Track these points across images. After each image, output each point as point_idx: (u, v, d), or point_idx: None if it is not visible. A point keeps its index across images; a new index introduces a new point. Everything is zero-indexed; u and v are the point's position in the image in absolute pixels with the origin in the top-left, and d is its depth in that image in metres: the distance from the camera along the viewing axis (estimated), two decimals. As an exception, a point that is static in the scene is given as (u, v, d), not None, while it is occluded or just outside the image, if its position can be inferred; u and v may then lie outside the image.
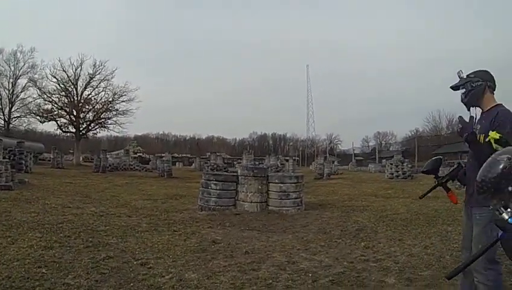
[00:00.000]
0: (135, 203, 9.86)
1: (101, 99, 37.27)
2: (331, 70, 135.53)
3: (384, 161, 31.95)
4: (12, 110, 41.65)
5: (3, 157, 13.91)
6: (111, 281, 4.07)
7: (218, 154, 31.68)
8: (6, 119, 41.04)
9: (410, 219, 7.43)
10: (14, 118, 41.96)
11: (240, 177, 9.13)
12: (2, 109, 41.15)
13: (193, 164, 41.72)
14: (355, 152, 50.87)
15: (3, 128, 40.34)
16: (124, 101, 37.05)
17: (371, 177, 22.48)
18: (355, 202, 10.61)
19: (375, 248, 5.41)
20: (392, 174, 19.83)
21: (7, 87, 41.36)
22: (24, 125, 42.99)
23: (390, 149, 60.63)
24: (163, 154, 37.89)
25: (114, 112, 37.19)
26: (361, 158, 52.11)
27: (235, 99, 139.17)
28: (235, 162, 38.51)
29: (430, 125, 62.45)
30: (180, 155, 56.42)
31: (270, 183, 9.12)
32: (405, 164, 19.94)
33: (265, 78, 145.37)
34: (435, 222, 7.02)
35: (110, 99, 36.99)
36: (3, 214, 7.08)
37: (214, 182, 9.01)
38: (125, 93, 36.97)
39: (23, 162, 19.10)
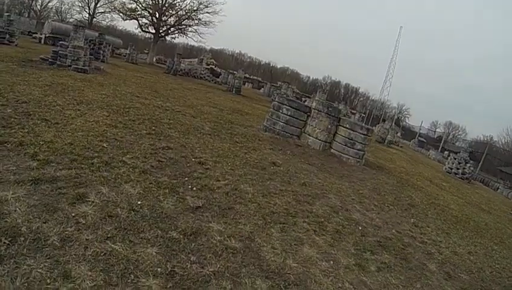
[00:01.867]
0: (201, 107, 9.99)
1: (185, 7, 37.62)
2: (424, 43, 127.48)
3: (446, 152, 30.48)
4: (98, 5, 44.17)
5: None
6: (166, 170, 4.11)
7: (290, 86, 31.08)
8: (91, 13, 43.87)
9: (460, 219, 7.12)
10: (98, 13, 44.90)
11: (313, 111, 8.85)
12: (88, 4, 43.97)
13: (262, 89, 41.68)
14: (420, 132, 47.87)
15: (87, 22, 43.21)
16: (208, 12, 37.14)
17: (429, 163, 21.47)
18: (410, 177, 10.22)
19: (424, 229, 5.34)
20: (451, 169, 18.53)
21: (96, -16, 43.74)
22: (106, 20, 45.97)
23: (456, 144, 56.61)
24: (235, 71, 38.12)
25: (196, 21, 37.62)
26: (424, 140, 49.42)
27: (319, 38, 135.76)
28: (303, 98, 37.79)
29: (507, 138, 55.18)
30: (251, 77, 56.37)
31: (340, 127, 8.74)
32: (468, 165, 18.46)
33: (355, 29, 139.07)
34: (483, 234, 6.74)
35: (195, 8, 37.22)
36: (76, 91, 7.53)
37: (287, 106, 8.83)
38: (210, 4, 36.92)
39: (101, 52, 20.23)
